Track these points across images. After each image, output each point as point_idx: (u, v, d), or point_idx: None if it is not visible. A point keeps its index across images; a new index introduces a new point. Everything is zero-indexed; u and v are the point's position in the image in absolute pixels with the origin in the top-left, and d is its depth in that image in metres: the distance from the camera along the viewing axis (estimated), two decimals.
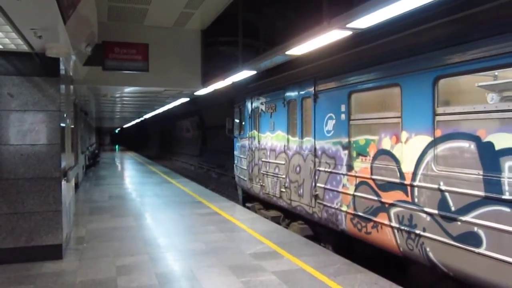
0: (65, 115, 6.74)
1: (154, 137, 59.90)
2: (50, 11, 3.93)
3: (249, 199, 11.55)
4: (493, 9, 4.20)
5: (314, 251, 6.59)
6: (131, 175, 20.05)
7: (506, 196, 4.02)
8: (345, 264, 5.88)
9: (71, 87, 8.64)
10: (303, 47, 5.78)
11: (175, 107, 19.58)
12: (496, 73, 4.38)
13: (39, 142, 6.07)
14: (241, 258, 6.20)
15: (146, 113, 26.48)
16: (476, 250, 4.32)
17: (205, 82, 10.78)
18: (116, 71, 9.56)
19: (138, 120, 37.96)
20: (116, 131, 74.01)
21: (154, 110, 23.00)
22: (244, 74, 8.39)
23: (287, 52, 6.14)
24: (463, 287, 4.73)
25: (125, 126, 54.67)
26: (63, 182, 6.36)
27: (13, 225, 5.98)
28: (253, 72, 8.25)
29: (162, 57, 10.34)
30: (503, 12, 4.12)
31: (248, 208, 11.14)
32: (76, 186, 12.81)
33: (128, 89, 12.84)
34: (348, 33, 4.97)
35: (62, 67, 6.31)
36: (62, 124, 6.38)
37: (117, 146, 65.99)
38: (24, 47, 5.55)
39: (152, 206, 10.82)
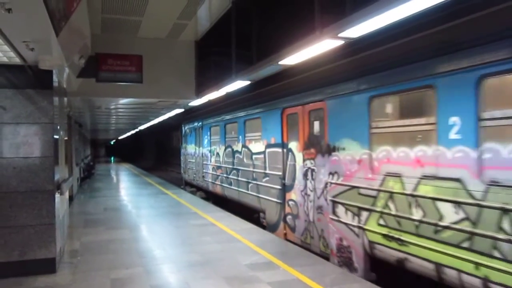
0: (58, 127, 6.71)
1: (149, 148, 59.63)
2: (42, 23, 3.93)
3: (186, 185, 19.35)
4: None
5: (310, 261, 6.56)
6: (126, 186, 19.94)
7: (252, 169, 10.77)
8: (341, 274, 5.85)
9: (65, 99, 8.62)
10: (296, 57, 5.80)
11: (169, 118, 19.56)
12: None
13: (32, 155, 6.04)
14: (237, 269, 6.16)
15: (140, 124, 26.42)
16: (237, 189, 11.36)
17: (199, 93, 10.80)
18: (110, 83, 9.57)
19: (133, 132, 37.87)
20: (111, 142, 73.75)
21: (149, 121, 22.96)
22: (237, 84, 8.41)
23: (280, 62, 6.16)
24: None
25: (120, 137, 54.46)
26: (57, 195, 6.31)
27: (5, 239, 5.91)
28: (247, 82, 8.29)
29: (156, 68, 10.36)
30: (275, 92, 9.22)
31: (183, 189, 18.41)
32: (71, 198, 12.73)
33: (122, 101, 12.83)
34: (340, 42, 4.99)
35: (55, 79, 6.30)
36: (56, 137, 6.35)
37: (112, 158, 65.72)
38: (17, 60, 5.54)
39: (147, 217, 10.75)
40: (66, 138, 9.19)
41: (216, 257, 6.81)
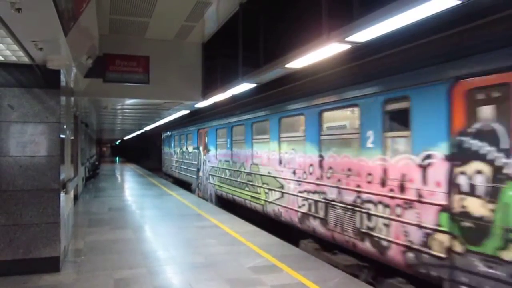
0: (65, 127, 6.74)
1: (154, 149, 59.74)
2: (51, 23, 3.97)
3: (164, 174, 27.24)
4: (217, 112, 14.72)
5: (314, 265, 6.54)
6: (131, 187, 20.01)
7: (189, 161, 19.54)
8: (345, 278, 5.82)
9: (72, 98, 8.67)
10: (303, 60, 5.80)
11: (175, 119, 19.65)
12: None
13: (39, 154, 6.07)
14: (240, 272, 6.15)
15: (146, 125, 26.51)
16: (183, 173, 20.33)
17: (205, 95, 10.82)
18: (116, 83, 9.61)
19: (138, 132, 37.98)
20: (117, 143, 73.98)
21: (155, 122, 23.06)
22: (244, 86, 8.42)
23: (287, 65, 6.17)
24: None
25: (125, 138, 54.64)
26: (62, 194, 6.33)
27: (11, 237, 5.94)
28: (253, 85, 8.30)
29: (163, 70, 10.39)
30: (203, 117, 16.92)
31: (160, 177, 25.65)
32: (76, 198, 12.77)
33: (129, 101, 12.88)
34: (347, 46, 4.99)
35: (62, 79, 6.34)
36: (62, 136, 6.38)
37: (117, 158, 65.93)
38: (25, 59, 5.58)
39: (151, 218, 10.77)
40: (72, 138, 9.23)
41: (219, 259, 6.81)
